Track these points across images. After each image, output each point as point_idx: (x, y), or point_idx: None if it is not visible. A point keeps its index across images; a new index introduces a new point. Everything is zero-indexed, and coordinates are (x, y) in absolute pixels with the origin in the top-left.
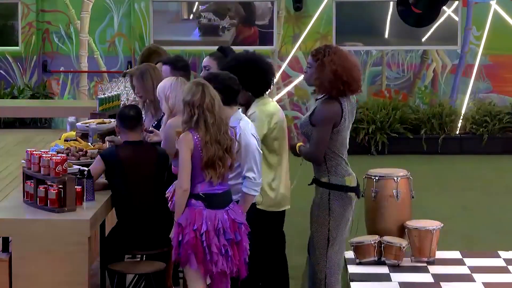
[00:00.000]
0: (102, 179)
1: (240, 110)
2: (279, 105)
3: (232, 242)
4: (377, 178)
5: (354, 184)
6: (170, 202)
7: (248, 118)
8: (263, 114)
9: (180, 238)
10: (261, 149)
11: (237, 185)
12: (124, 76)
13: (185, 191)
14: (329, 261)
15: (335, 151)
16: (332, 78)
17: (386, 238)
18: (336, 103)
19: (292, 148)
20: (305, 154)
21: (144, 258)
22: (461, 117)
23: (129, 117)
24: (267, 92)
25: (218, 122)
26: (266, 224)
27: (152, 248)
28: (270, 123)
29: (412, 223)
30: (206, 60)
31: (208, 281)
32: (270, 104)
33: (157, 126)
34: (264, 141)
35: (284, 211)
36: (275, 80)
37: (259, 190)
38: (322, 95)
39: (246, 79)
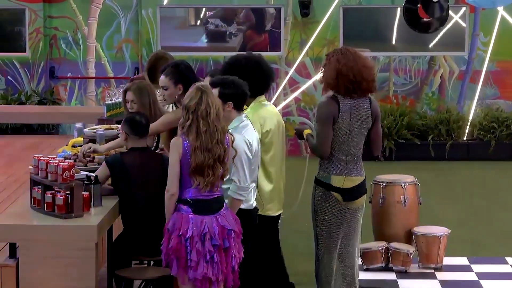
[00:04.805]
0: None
1: (245, 114)
2: (287, 111)
3: (220, 248)
4: (384, 184)
5: (342, 185)
6: None
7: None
8: (256, 118)
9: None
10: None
11: (227, 190)
12: (132, 82)
13: (172, 195)
14: (319, 260)
15: (332, 149)
16: (335, 76)
17: (394, 244)
18: (332, 102)
19: (299, 134)
20: (312, 147)
21: (151, 264)
22: (469, 123)
23: (140, 124)
24: (264, 95)
25: (211, 130)
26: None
27: (159, 254)
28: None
29: (420, 229)
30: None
31: None
32: (266, 108)
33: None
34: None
35: (279, 215)
36: (273, 85)
37: (244, 195)
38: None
39: (244, 78)
